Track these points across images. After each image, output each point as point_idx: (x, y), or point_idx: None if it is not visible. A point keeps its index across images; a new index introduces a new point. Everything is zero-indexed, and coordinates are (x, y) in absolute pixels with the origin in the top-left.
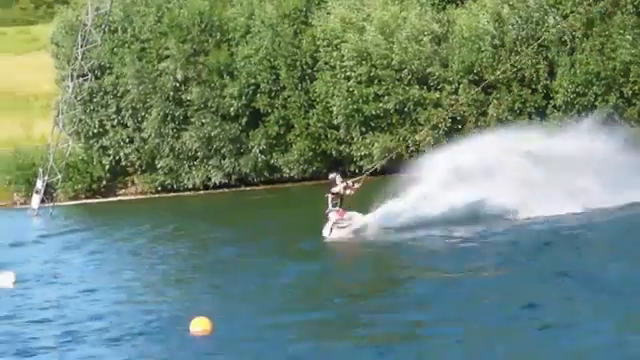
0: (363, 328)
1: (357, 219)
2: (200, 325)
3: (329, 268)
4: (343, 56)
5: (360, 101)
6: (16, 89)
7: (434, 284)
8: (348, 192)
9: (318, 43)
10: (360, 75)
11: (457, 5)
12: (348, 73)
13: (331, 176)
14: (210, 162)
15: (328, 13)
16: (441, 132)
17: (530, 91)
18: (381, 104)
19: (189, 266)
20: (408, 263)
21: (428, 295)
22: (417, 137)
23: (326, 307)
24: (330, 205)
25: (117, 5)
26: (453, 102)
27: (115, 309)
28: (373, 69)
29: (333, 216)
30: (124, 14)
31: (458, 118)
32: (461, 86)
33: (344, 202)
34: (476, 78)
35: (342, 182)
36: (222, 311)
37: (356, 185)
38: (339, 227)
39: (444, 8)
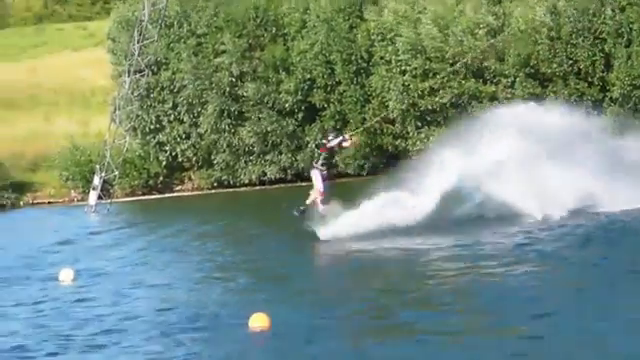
0: (412, 325)
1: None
2: (258, 321)
3: (381, 262)
4: (398, 50)
5: (416, 95)
6: (73, 85)
7: (480, 280)
8: (345, 144)
9: (373, 37)
10: (415, 69)
11: None
12: (403, 67)
13: (331, 135)
14: (266, 157)
15: (383, 7)
16: None
17: (586, 84)
18: (437, 98)
19: (239, 261)
20: (456, 258)
21: (474, 291)
22: None
23: (378, 303)
24: (320, 162)
25: (173, 0)
26: (509, 96)
27: (165, 306)
28: (427, 62)
29: (316, 176)
30: (180, 9)
31: None
32: (517, 79)
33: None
34: (532, 71)
35: (337, 137)
36: (271, 308)
37: (354, 138)
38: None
39: (500, 1)
